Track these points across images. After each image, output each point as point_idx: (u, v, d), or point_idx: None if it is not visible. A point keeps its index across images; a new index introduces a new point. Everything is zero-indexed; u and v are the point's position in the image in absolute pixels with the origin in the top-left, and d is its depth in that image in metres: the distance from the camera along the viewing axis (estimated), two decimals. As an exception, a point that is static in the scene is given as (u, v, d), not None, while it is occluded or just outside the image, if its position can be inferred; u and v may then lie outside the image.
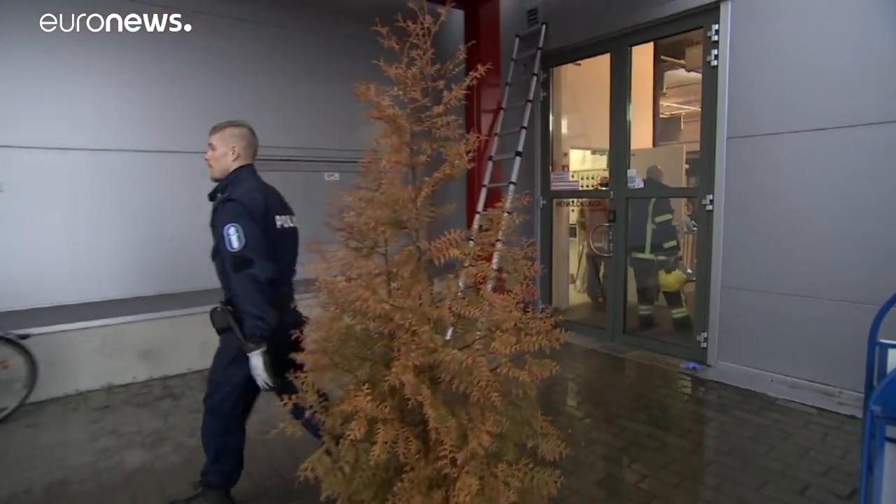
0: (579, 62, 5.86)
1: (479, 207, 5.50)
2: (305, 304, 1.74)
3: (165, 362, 4.58)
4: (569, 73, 6.22)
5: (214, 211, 2.44)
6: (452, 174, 1.61)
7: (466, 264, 1.68)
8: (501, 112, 5.79)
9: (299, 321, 2.60)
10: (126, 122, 4.38)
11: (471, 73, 1.70)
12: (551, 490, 1.62)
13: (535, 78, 5.55)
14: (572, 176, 6.24)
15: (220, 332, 2.51)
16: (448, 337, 1.67)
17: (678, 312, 5.44)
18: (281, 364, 2.66)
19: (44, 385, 3.96)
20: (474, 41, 4.98)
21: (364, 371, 1.64)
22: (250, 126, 2.62)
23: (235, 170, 2.52)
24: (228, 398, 2.49)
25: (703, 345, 4.52)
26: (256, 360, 2.30)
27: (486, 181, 5.61)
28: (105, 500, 2.82)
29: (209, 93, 4.72)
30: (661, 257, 5.50)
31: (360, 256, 1.64)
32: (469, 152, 1.60)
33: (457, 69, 1.74)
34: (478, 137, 1.64)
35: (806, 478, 2.82)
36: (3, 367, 3.70)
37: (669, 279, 5.46)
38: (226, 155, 2.51)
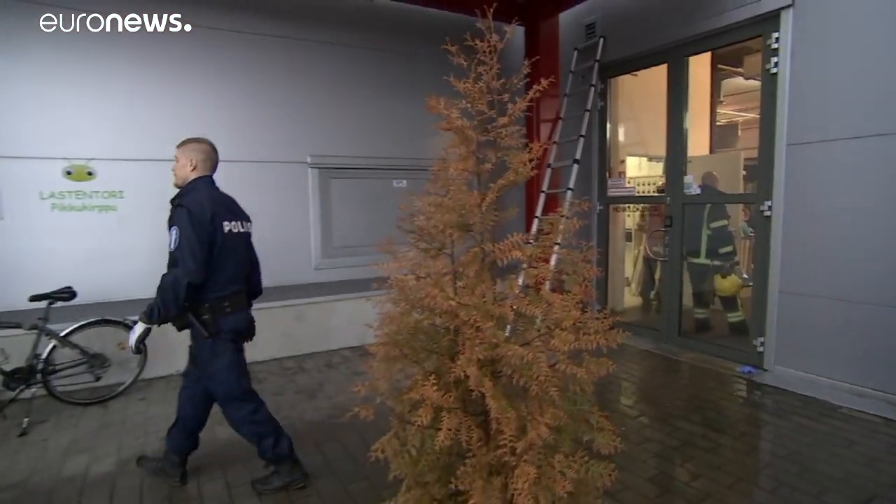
0: (636, 73, 5.69)
1: (538, 212, 5.45)
2: (376, 300, 1.78)
3: (250, 350, 4.74)
4: (626, 84, 6.05)
5: (171, 213, 2.54)
6: (516, 181, 1.61)
7: (527, 266, 1.68)
8: (560, 121, 5.72)
9: (249, 320, 2.73)
10: (216, 136, 4.63)
11: (534, 86, 1.70)
12: (605, 482, 1.58)
13: (592, 88, 5.44)
14: (629, 182, 6.07)
15: (180, 329, 2.59)
16: (508, 333, 1.67)
17: (734, 317, 5.17)
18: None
19: (152, 365, 4.27)
20: (536, 56, 4.96)
21: (431, 363, 1.67)
22: (211, 143, 2.72)
23: (193, 180, 2.61)
24: (229, 380, 2.60)
25: (760, 349, 4.27)
26: (139, 328, 2.51)
27: (544, 187, 5.56)
28: (201, 467, 2.99)
29: (294, 108, 4.95)
30: (716, 262, 5.25)
31: (428, 257, 1.67)
32: (532, 160, 1.60)
33: (521, 83, 1.74)
34: (540, 146, 1.63)
35: (871, 488, 2.61)
36: (121, 349, 4.02)
37: (725, 284, 5.20)
38: (185, 166, 2.62)
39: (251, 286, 2.86)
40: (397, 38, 5.44)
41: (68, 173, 4.13)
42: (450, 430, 1.49)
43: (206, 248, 2.43)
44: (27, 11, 3.92)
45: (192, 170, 2.62)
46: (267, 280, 4.79)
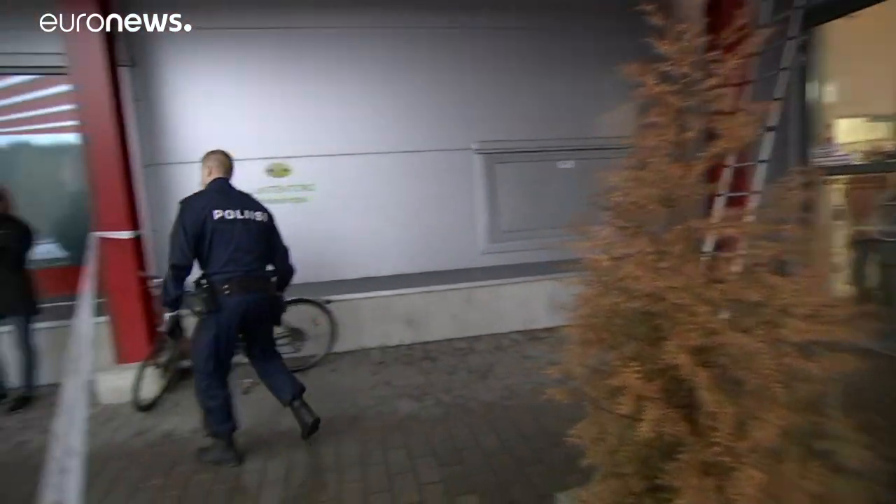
0: (854, 14, 4.73)
1: (724, 188, 4.88)
2: (566, 281, 1.73)
3: (424, 330, 5.11)
4: (836, 31, 5.08)
5: None
6: (731, 148, 1.43)
7: (735, 246, 1.50)
8: (748, 84, 5.03)
9: (250, 305, 2.95)
10: (388, 129, 4.98)
11: (748, 40, 1.49)
12: (856, 505, 1.35)
13: (791, 42, 4.67)
14: (840, 149, 5.12)
15: (173, 307, 3.08)
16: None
17: None
18: (246, 331, 3.08)
19: (340, 340, 4.77)
20: (717, 9, 4.43)
21: (629, 348, 1.58)
22: (225, 152, 3.17)
23: (210, 182, 3.07)
24: (200, 355, 2.92)
25: None
26: (165, 317, 3.01)
27: (730, 160, 4.95)
28: (386, 437, 3.27)
29: (460, 97, 5.09)
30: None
31: (626, 235, 1.57)
32: (754, 123, 1.40)
33: (731, 38, 1.54)
34: (761, 108, 1.43)
35: None
36: (316, 325, 4.56)
37: None
38: (205, 174, 3.11)
39: (277, 271, 3.21)
40: (559, 16, 5.25)
41: (270, 171, 4.78)
42: (653, 421, 1.40)
43: (190, 237, 2.84)
44: (226, 37, 4.63)
45: (209, 174, 3.10)
46: (436, 264, 5.14)
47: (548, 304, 5.18)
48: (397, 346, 5.05)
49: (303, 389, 3.27)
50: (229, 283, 2.87)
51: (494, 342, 5.00)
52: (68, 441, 1.94)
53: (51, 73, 4.44)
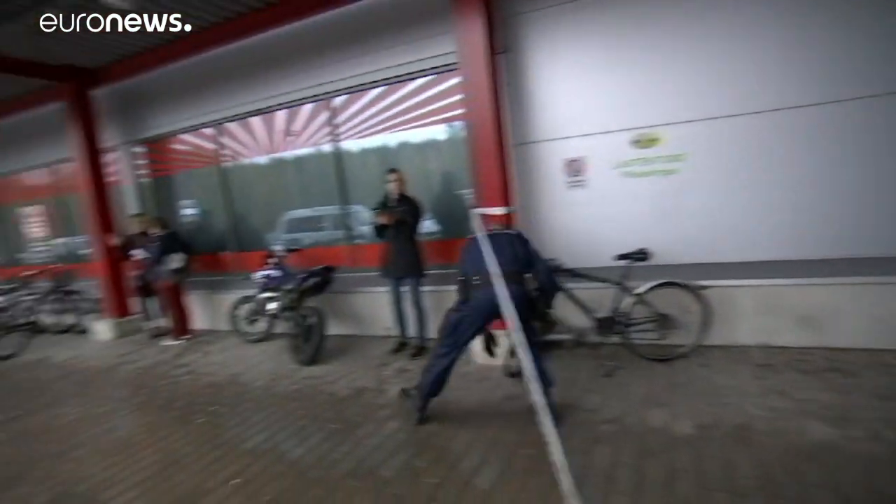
0: None
1: None
2: None
3: (827, 332, 3.98)
4: None
5: None
6: None
7: None
8: None
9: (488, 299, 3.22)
10: (786, 80, 3.94)
11: None
12: None
13: None
14: None
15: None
16: None
17: None
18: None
19: (709, 332, 4.13)
20: None
21: None
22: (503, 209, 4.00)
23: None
24: (443, 331, 3.53)
25: None
26: None
27: None
28: (795, 465, 2.58)
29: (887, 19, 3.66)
30: None
31: None
32: None
33: None
34: None
35: None
36: (686, 312, 4.05)
37: None
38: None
39: (539, 282, 3.46)
40: None
41: (636, 142, 4.42)
42: None
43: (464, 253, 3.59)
44: (587, 7, 4.41)
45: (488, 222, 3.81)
46: (847, 248, 3.91)
47: None
48: (784, 348, 4.07)
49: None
50: (480, 276, 3.34)
51: (952, 362, 3.52)
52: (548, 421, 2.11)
53: (441, 71, 5.09)
